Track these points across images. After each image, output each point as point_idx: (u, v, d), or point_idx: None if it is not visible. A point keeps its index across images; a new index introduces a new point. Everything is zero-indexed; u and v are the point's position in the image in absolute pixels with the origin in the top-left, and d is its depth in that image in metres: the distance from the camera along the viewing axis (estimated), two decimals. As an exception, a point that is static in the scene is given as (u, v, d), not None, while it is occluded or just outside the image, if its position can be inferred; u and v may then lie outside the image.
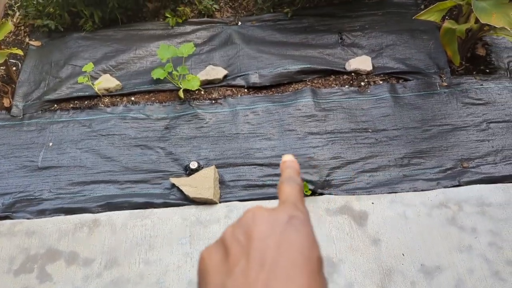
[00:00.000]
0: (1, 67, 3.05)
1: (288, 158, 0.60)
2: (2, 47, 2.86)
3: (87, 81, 2.70)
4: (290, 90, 2.78)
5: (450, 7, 2.60)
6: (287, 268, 0.44)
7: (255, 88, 2.82)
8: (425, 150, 2.45)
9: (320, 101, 2.69)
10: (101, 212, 2.36)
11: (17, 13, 3.36)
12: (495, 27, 2.26)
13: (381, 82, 2.76)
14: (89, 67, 2.70)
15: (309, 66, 2.81)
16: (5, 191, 2.47)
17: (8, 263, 2.20)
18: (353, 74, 2.81)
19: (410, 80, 2.75)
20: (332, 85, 2.78)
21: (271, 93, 2.79)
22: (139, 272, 2.14)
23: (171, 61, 2.75)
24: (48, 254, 2.22)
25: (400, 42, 2.94)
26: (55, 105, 2.83)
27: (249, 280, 0.43)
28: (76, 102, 2.84)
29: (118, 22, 3.21)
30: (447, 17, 3.02)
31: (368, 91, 2.72)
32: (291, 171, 0.58)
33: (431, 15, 2.40)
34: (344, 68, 2.83)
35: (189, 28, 3.19)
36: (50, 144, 2.64)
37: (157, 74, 2.72)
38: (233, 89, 2.84)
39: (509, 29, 2.08)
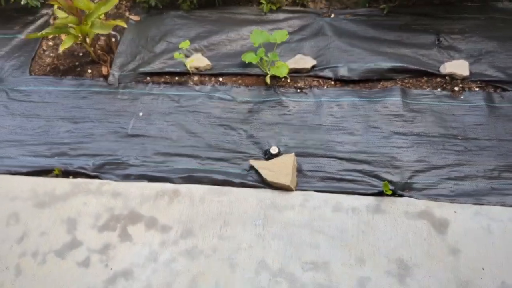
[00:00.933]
0: (103, 37, 3.24)
1: None
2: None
3: (182, 57, 2.80)
4: (379, 87, 2.72)
5: None
6: None
7: (342, 81, 2.79)
8: (519, 165, 2.32)
9: (409, 101, 2.61)
10: (181, 183, 2.46)
11: (121, -12, 3.55)
12: None
13: (477, 89, 2.64)
14: (185, 44, 2.80)
15: (401, 65, 2.73)
16: (96, 152, 2.64)
17: (94, 219, 2.35)
18: (447, 77, 2.70)
19: (509, 90, 2.61)
20: (424, 86, 2.69)
21: (358, 88, 2.75)
22: (212, 245, 2.21)
23: (263, 47, 2.79)
24: (130, 216, 2.35)
25: (502, 49, 2.79)
26: (148, 78, 2.98)
27: None
28: (167, 77, 2.97)
29: (214, 4, 3.30)
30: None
31: (462, 97, 2.61)
32: None
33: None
34: (438, 71, 2.73)
35: (281, 15, 3.21)
36: (140, 114, 2.78)
37: (249, 58, 2.77)
38: (320, 80, 2.83)
39: None
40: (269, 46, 2.88)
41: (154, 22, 3.31)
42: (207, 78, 2.94)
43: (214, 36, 3.13)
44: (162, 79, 2.96)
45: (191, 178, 2.47)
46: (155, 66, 3.01)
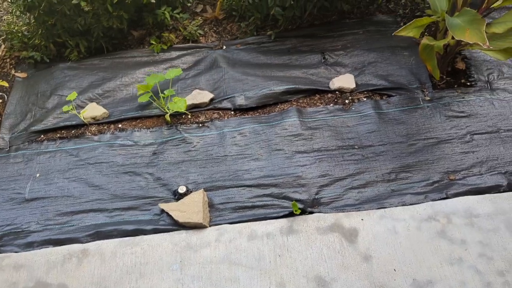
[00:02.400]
0: (-13, 100, 3.05)
1: None
2: (-13, 80, 2.87)
3: (71, 110, 2.70)
4: (276, 111, 2.80)
5: (428, 24, 2.66)
6: None
7: (241, 110, 2.84)
8: (412, 164, 2.47)
9: (306, 120, 2.71)
10: (90, 241, 2.33)
11: (2, 46, 3.38)
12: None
13: (365, 99, 2.80)
14: (72, 96, 2.71)
15: (293, 86, 2.84)
16: (-8, 224, 2.44)
17: (-4, 298, 2.16)
18: (337, 92, 2.84)
19: (393, 96, 2.79)
20: (317, 104, 2.81)
21: (257, 114, 2.81)
22: (130, 301, 2.11)
23: (158, 85, 2.77)
24: (37, 287, 2.18)
25: (382, 59, 2.99)
26: (42, 136, 2.83)
27: None
28: (63, 131, 2.84)
29: (104, 51, 3.24)
30: (426, 33, 3.08)
31: (353, 108, 2.75)
32: None
33: (409, 31, 2.45)
34: (328, 87, 2.87)
35: (174, 54, 3.23)
36: (37, 175, 2.63)
37: (143, 98, 2.74)
38: (220, 112, 2.86)
39: (481, 45, 2.12)
40: (166, 85, 2.87)
41: (43, 77, 3.18)
42: (105, 127, 2.85)
43: (108, 83, 3.07)
44: (58, 135, 2.83)
45: (99, 234, 2.36)
46: (49, 122, 2.88)
